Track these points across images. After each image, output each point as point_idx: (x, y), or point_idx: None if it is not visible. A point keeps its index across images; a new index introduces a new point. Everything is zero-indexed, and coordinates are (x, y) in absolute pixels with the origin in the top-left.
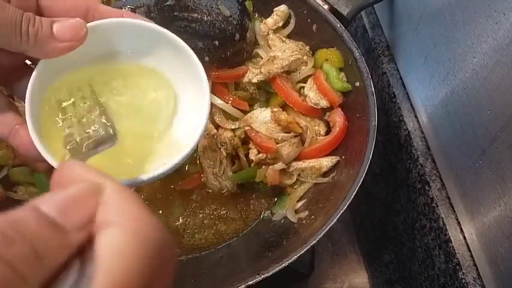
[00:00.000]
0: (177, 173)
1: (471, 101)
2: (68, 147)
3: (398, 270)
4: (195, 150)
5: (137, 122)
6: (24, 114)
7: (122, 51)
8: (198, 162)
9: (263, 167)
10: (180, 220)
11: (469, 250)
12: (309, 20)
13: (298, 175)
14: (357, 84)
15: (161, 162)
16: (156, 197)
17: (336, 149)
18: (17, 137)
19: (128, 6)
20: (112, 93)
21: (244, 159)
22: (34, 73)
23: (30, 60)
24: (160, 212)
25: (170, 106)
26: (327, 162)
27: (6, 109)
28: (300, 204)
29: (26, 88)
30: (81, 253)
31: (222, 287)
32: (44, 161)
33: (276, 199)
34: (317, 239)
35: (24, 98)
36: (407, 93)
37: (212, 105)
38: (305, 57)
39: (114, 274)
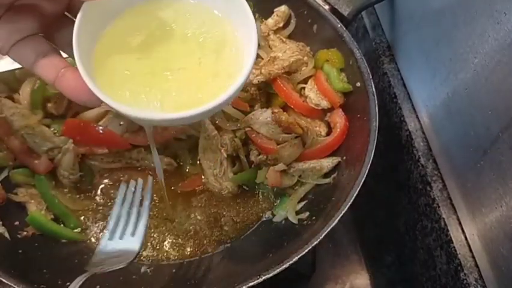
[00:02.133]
0: (178, 174)
1: (472, 101)
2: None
3: (399, 271)
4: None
5: (193, 57)
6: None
7: None
8: (198, 163)
9: (264, 168)
10: (181, 222)
11: (471, 251)
12: (309, 21)
13: (299, 176)
14: (358, 84)
15: (218, 93)
16: (156, 200)
17: (337, 150)
18: (63, 80)
19: None
20: (165, 30)
21: (245, 160)
22: (80, 12)
23: (69, 12)
24: (162, 214)
25: (221, 39)
26: (328, 163)
27: (51, 54)
28: (301, 205)
29: (66, 38)
30: None
31: None
32: (91, 103)
33: (277, 200)
34: (318, 240)
35: (65, 48)
36: (408, 94)
37: None
38: (306, 58)
39: None
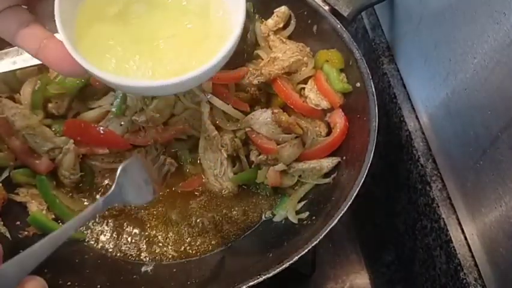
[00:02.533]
0: (178, 174)
1: (472, 101)
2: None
3: (399, 270)
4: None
5: (180, 23)
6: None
7: None
8: (198, 163)
9: (264, 168)
10: (181, 222)
11: (470, 250)
12: (309, 21)
13: (299, 176)
14: (358, 85)
15: (210, 56)
16: (157, 200)
17: (337, 150)
18: (46, 51)
19: None
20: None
21: (245, 160)
22: None
23: None
24: (163, 214)
25: (205, 3)
26: (327, 163)
27: (32, 24)
28: (301, 205)
29: (48, 9)
30: None
31: None
32: (76, 73)
33: (277, 200)
34: (318, 239)
35: (46, 20)
36: (407, 94)
37: (212, 106)
38: (306, 58)
39: None
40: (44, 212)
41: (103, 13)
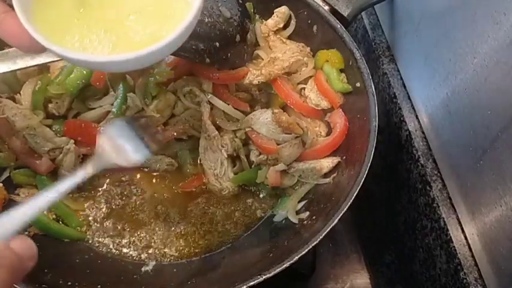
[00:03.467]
0: (178, 174)
1: (472, 101)
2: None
3: (399, 270)
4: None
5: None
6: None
7: None
8: (198, 163)
9: (264, 168)
10: (181, 222)
11: (470, 250)
12: (309, 21)
13: (299, 176)
14: (358, 85)
15: (174, 27)
16: (158, 200)
17: (337, 150)
18: (3, 25)
19: None
20: None
21: (245, 160)
22: None
23: None
24: (163, 215)
25: None
26: (328, 163)
27: None
28: (301, 205)
29: None
30: None
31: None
32: (34, 49)
33: (277, 200)
34: (318, 239)
35: None
36: (407, 94)
37: (213, 106)
38: (306, 59)
39: None
40: (44, 212)
41: None
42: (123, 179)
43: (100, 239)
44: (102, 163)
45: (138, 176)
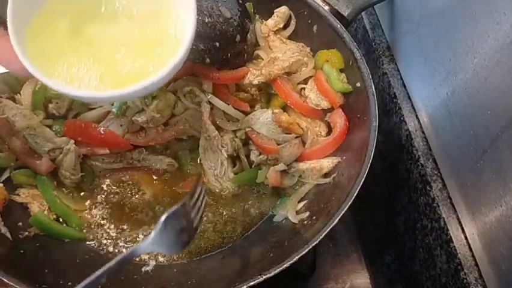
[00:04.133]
0: (178, 174)
1: (472, 101)
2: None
3: (399, 270)
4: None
5: (131, 29)
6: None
7: None
8: (199, 163)
9: (264, 168)
10: None
11: (471, 250)
12: (309, 21)
13: (299, 176)
14: (358, 85)
15: (162, 64)
16: (158, 200)
17: (337, 150)
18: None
19: None
20: (99, 8)
21: (245, 160)
22: None
23: None
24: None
25: (157, 8)
26: (328, 163)
27: None
28: (301, 205)
29: (2, 7)
30: None
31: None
32: (24, 73)
33: (277, 200)
34: (318, 239)
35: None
36: (407, 94)
37: (213, 106)
38: (306, 59)
39: None
40: (45, 212)
41: (55, 23)
42: (123, 179)
43: (100, 239)
44: (150, 249)
45: (138, 176)
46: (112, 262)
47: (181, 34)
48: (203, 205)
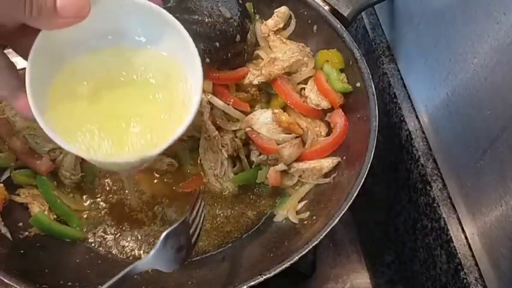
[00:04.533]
0: (178, 174)
1: (472, 101)
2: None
3: (399, 270)
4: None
5: (146, 95)
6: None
7: (127, 30)
8: (199, 163)
9: (264, 168)
10: None
11: (471, 250)
12: (309, 21)
13: (300, 176)
14: (358, 85)
15: (169, 133)
16: (158, 200)
17: (337, 150)
18: (16, 101)
19: None
20: (114, 75)
21: (245, 160)
22: (36, 41)
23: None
24: (163, 215)
25: (168, 73)
26: (328, 163)
27: (6, 70)
28: (301, 205)
29: (27, 46)
30: None
31: None
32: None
33: (277, 200)
34: (319, 239)
35: (26, 56)
36: (407, 94)
37: (213, 106)
38: (306, 59)
39: None
40: (45, 212)
41: (74, 89)
42: (123, 178)
43: (101, 239)
44: (148, 266)
45: (138, 176)
46: (111, 281)
47: (189, 100)
48: (201, 221)
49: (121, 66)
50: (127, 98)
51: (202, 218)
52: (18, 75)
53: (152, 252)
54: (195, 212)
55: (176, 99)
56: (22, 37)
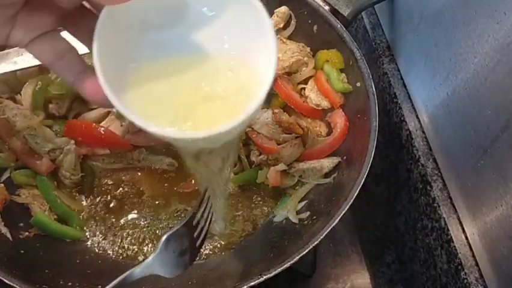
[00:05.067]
0: (179, 174)
1: (472, 101)
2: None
3: (400, 270)
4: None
5: (222, 71)
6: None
7: (192, 4)
8: None
9: (264, 168)
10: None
11: (471, 250)
12: (309, 21)
13: (300, 176)
14: (358, 84)
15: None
16: (158, 201)
17: (337, 150)
18: (82, 84)
19: None
20: (185, 51)
21: (246, 160)
22: (99, 19)
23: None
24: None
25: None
26: (328, 163)
27: (68, 54)
28: (301, 205)
29: (87, 30)
30: None
31: None
32: (110, 105)
33: (277, 200)
34: (319, 239)
35: (86, 41)
36: (408, 94)
37: None
38: (306, 59)
39: None
40: (46, 212)
41: (146, 69)
42: (124, 178)
43: (101, 239)
44: (149, 271)
45: (139, 176)
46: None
47: (257, 84)
48: (208, 223)
49: (192, 41)
50: (202, 75)
51: (208, 219)
52: (82, 59)
53: (151, 256)
54: (200, 214)
55: (247, 82)
56: (80, 19)
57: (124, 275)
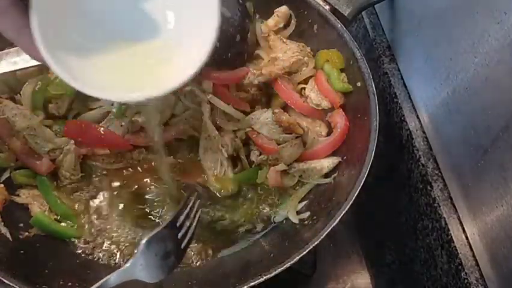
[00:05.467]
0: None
1: (472, 100)
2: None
3: (400, 270)
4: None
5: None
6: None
7: None
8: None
9: (264, 168)
10: None
11: (472, 250)
12: (310, 21)
13: (300, 176)
14: (359, 84)
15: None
16: (158, 201)
17: (337, 150)
18: (22, 36)
19: None
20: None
21: (246, 160)
22: None
23: None
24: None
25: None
26: (328, 163)
27: (11, 9)
28: (301, 205)
29: None
30: None
31: None
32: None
33: (277, 200)
34: (319, 239)
35: None
36: (408, 93)
37: (213, 106)
38: (306, 58)
39: None
40: (46, 213)
41: (87, 30)
42: (124, 178)
43: (101, 240)
44: (128, 277)
45: (138, 176)
46: None
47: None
48: (194, 223)
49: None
50: (142, 37)
51: (195, 220)
52: (25, 15)
53: (129, 261)
54: (184, 214)
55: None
56: None
57: (99, 283)
